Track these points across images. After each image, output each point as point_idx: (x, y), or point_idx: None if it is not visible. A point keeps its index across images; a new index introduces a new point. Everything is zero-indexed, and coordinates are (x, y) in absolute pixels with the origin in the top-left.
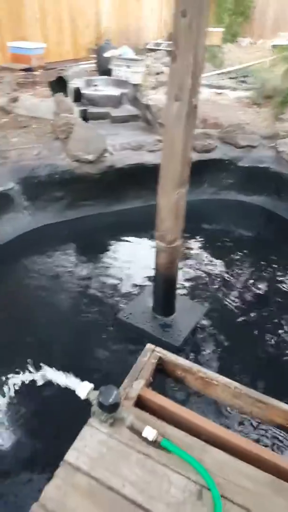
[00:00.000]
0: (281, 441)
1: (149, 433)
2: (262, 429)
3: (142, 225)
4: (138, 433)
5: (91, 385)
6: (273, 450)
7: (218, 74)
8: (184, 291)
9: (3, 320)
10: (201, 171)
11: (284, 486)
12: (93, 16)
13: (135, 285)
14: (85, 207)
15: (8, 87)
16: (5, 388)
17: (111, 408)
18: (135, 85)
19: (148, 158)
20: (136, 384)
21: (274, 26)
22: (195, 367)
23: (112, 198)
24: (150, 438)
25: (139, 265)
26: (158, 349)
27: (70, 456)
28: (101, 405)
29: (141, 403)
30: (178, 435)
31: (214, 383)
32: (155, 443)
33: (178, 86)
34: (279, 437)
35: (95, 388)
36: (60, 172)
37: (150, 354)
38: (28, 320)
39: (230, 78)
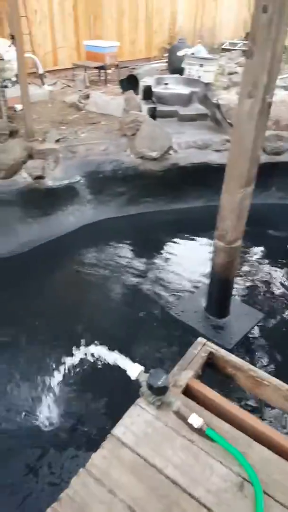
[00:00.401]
0: None
1: (195, 420)
2: None
3: (202, 225)
4: (183, 419)
5: (142, 367)
6: None
7: None
8: (240, 295)
9: (62, 304)
10: (269, 174)
11: None
12: (169, 15)
13: (189, 284)
14: (145, 204)
15: (82, 85)
16: (62, 365)
17: (160, 391)
18: (207, 84)
19: (213, 158)
20: (185, 374)
21: None
22: (246, 365)
23: (173, 196)
24: (196, 425)
25: (195, 264)
26: (210, 343)
27: (117, 430)
28: (150, 387)
29: (188, 393)
30: (224, 427)
31: (265, 383)
32: (200, 431)
33: (252, 83)
34: None
35: (145, 372)
36: (124, 168)
37: (201, 347)
38: (84, 306)
39: None
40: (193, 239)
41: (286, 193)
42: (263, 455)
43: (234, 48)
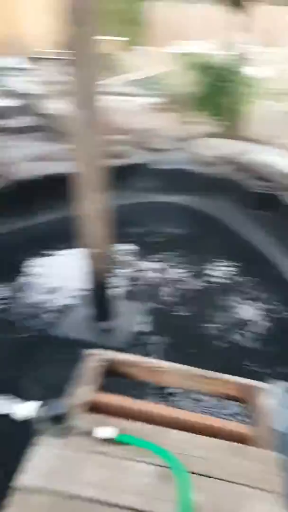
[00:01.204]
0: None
1: (102, 432)
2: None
3: (58, 236)
4: (90, 435)
5: (36, 403)
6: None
7: (122, 82)
8: (121, 294)
9: None
10: (122, 176)
11: (236, 447)
12: None
13: (65, 298)
14: None
15: None
16: None
17: (59, 419)
18: (30, 95)
19: (55, 168)
20: (84, 390)
21: (167, 35)
22: (141, 359)
23: (16, 213)
24: (104, 436)
25: (64, 277)
26: (100, 351)
27: (21, 479)
28: (48, 419)
29: (94, 407)
30: (136, 427)
31: (162, 370)
32: (111, 441)
33: (80, 94)
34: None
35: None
36: None
37: (93, 358)
38: None
39: (135, 85)
40: (51, 253)
41: (140, 192)
42: (178, 438)
43: (50, 57)
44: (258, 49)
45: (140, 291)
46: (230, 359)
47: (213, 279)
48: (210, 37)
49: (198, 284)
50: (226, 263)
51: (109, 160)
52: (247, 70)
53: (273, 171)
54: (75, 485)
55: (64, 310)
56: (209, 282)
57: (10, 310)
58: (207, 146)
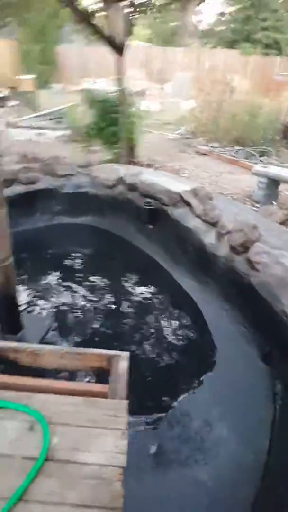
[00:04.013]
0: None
1: None
2: None
3: None
4: None
5: None
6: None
7: (36, 116)
8: (29, 309)
9: None
10: (31, 201)
11: (91, 401)
12: None
13: None
14: None
15: None
16: None
17: None
18: None
19: None
20: None
21: (78, 74)
22: (24, 345)
23: None
24: None
25: None
26: None
27: None
28: None
29: None
30: (10, 394)
31: (42, 353)
32: None
33: None
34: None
35: None
36: None
37: None
38: None
39: (50, 119)
40: None
41: (50, 215)
42: (46, 399)
43: None
44: (151, 85)
45: (45, 307)
46: None
47: (122, 294)
48: (108, 75)
49: (110, 300)
50: (132, 276)
51: (19, 186)
52: (139, 103)
53: (159, 189)
54: None
55: None
56: (121, 296)
57: None
58: (105, 171)
